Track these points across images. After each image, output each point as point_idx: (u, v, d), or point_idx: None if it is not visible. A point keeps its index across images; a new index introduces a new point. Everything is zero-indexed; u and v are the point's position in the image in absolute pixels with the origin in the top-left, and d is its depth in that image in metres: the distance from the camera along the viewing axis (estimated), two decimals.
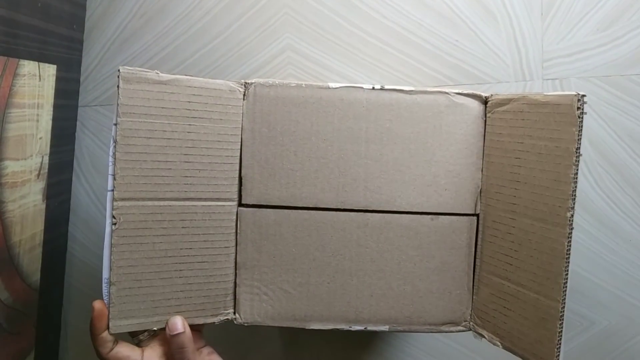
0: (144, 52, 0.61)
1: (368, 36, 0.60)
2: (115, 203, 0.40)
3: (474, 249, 0.44)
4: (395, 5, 0.59)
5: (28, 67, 0.50)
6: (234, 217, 0.43)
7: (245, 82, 0.42)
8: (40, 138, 0.53)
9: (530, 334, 0.38)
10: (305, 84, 0.43)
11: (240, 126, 0.43)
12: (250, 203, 0.43)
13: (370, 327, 0.44)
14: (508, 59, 0.60)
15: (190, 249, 0.42)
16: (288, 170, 0.43)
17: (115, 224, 0.39)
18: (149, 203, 0.41)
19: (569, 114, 0.35)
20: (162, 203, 0.41)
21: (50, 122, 0.55)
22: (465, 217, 0.44)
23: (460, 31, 0.59)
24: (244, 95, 0.43)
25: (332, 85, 0.43)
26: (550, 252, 0.36)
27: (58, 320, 0.62)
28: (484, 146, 0.44)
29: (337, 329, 0.44)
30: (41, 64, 0.52)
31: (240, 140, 0.43)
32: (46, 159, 0.55)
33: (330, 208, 0.43)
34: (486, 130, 0.43)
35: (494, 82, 0.60)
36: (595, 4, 0.59)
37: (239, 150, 0.43)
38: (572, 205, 0.35)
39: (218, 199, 0.43)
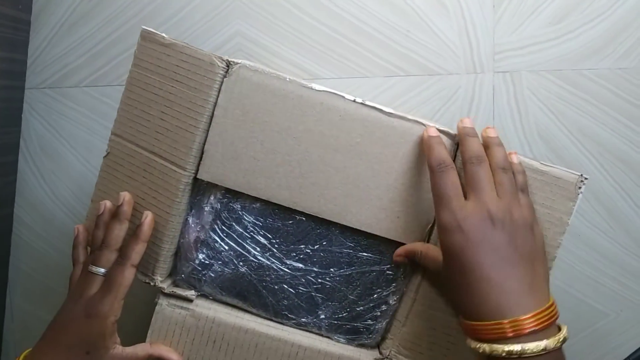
0: (93, 35, 0.60)
1: (319, 24, 0.59)
2: (110, 136, 0.46)
3: None
4: None
5: None
6: (182, 185, 0.43)
7: (229, 60, 0.42)
8: None
9: None
10: (289, 78, 0.42)
11: (210, 100, 0.42)
12: (206, 179, 0.43)
13: None
14: (459, 51, 0.59)
15: (143, 199, 0.44)
16: (250, 157, 0.43)
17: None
18: (128, 144, 0.45)
19: (569, 190, 0.42)
20: (133, 147, 0.45)
21: None
22: None
23: (411, 21, 0.59)
24: (226, 72, 0.42)
25: (315, 87, 0.42)
26: None
27: (2, 303, 0.62)
28: None
29: None
30: None
31: (206, 113, 0.42)
32: None
33: (281, 206, 0.43)
34: None
35: (444, 74, 0.59)
36: None
37: (204, 123, 0.43)
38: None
39: (172, 163, 0.43)
